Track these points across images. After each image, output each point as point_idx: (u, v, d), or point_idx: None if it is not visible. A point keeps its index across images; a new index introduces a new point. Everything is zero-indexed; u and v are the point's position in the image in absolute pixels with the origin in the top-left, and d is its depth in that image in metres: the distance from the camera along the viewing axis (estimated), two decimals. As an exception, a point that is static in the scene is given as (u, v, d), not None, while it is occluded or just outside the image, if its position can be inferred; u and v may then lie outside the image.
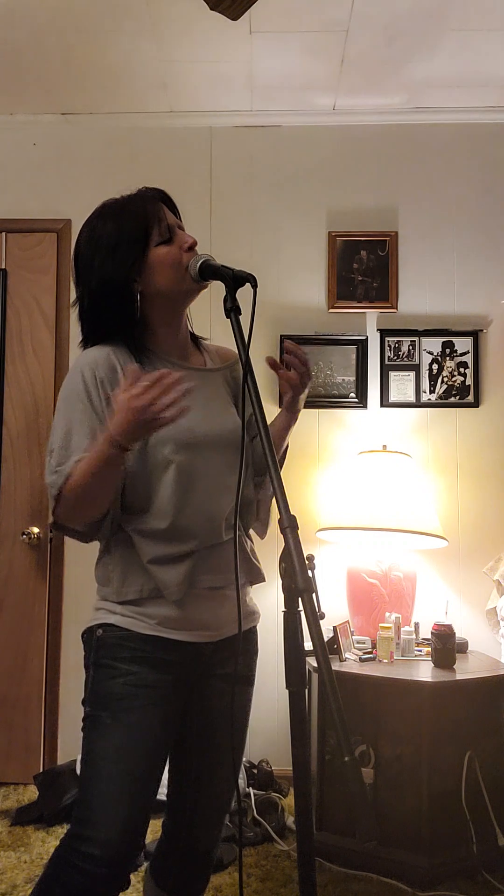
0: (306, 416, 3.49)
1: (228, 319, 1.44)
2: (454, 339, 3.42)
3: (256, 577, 1.67)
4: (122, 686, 1.49)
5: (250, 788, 2.95)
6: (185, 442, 1.53)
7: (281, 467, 1.67)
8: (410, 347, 3.43)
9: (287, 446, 1.77)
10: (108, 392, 1.51)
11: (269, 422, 1.46)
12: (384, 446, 3.22)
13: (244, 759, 3.09)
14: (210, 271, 1.53)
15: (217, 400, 1.64)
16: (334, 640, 2.81)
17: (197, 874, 1.69)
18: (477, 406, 3.41)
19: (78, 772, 1.58)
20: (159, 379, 1.33)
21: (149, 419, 1.34)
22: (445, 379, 3.41)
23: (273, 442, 1.47)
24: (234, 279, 1.46)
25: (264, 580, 1.66)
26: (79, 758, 1.58)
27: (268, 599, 3.35)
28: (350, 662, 2.77)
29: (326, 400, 3.42)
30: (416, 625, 3.01)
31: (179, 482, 1.52)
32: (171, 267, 1.56)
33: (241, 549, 1.61)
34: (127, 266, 1.54)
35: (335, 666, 2.69)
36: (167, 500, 1.53)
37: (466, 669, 2.74)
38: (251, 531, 1.72)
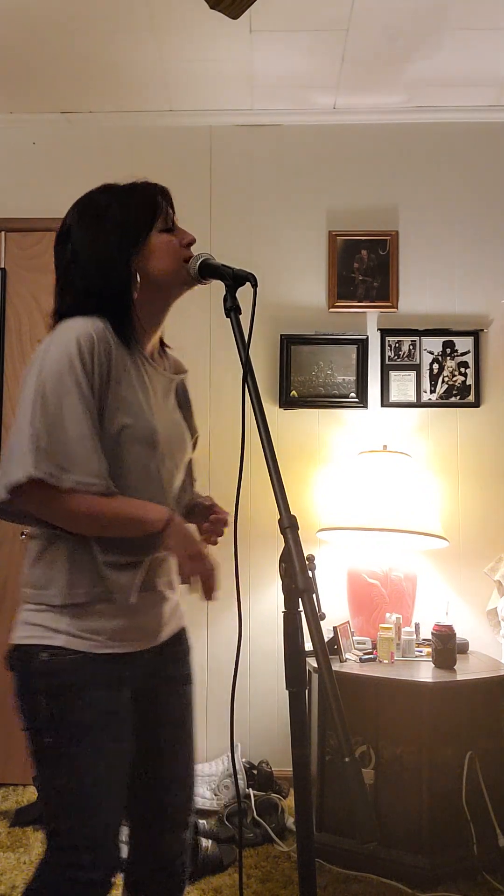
0: (307, 416, 3.50)
1: (228, 319, 1.44)
2: (455, 339, 3.42)
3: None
4: (93, 715, 1.44)
5: (250, 789, 2.94)
6: (151, 442, 1.51)
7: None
8: (411, 347, 3.43)
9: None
10: (103, 370, 1.44)
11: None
12: (384, 446, 3.22)
13: (244, 759, 3.09)
14: (210, 270, 1.52)
15: (172, 404, 1.66)
16: (334, 640, 2.81)
17: (170, 882, 1.67)
18: (478, 406, 3.40)
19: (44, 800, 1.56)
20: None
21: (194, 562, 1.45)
22: (446, 379, 3.41)
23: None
24: (234, 278, 1.45)
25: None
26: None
27: (268, 600, 3.36)
28: (350, 663, 2.76)
29: (326, 400, 3.41)
30: (417, 625, 3.00)
31: (145, 482, 1.52)
32: (169, 255, 1.55)
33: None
34: (130, 245, 1.52)
35: (335, 666, 2.68)
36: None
37: (467, 670, 2.74)
38: None
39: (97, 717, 1.45)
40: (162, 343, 1.70)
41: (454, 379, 3.41)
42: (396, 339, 3.44)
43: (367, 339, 3.44)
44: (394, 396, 3.42)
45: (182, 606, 1.68)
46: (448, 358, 3.41)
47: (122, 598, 1.46)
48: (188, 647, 1.69)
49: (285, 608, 1.17)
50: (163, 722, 1.61)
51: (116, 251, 1.52)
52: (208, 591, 1.46)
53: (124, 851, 1.62)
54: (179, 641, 1.66)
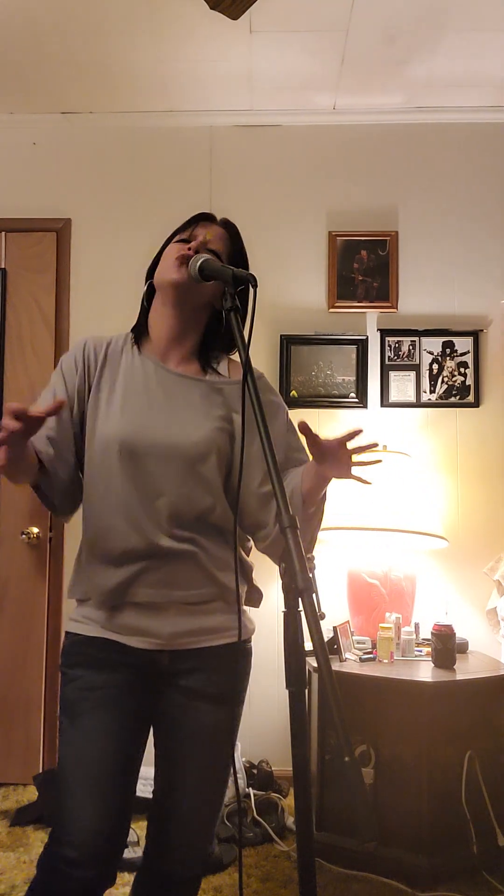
0: (307, 416, 3.47)
1: (228, 318, 1.44)
2: (454, 339, 3.42)
3: (230, 596, 1.57)
4: (73, 691, 1.52)
5: (250, 789, 2.95)
6: (125, 448, 1.52)
7: (319, 527, 1.60)
8: (411, 347, 3.43)
9: (325, 499, 1.58)
10: (77, 376, 1.62)
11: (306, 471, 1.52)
12: (384, 446, 3.22)
13: (244, 758, 3.09)
14: (210, 271, 1.53)
15: (190, 410, 1.58)
16: (334, 640, 2.81)
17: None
18: (477, 406, 3.40)
19: None
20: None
21: None
22: (446, 379, 3.41)
23: (304, 500, 1.51)
24: (234, 279, 1.46)
25: (256, 604, 1.66)
26: None
27: (268, 599, 3.35)
28: (350, 663, 2.76)
29: (326, 400, 3.42)
30: (417, 625, 3.00)
31: (109, 488, 1.53)
32: (167, 258, 1.63)
33: (202, 561, 1.55)
34: (153, 265, 1.69)
35: (335, 666, 2.68)
36: (98, 500, 1.56)
37: (467, 670, 2.74)
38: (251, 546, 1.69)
39: (79, 693, 1.51)
40: (212, 355, 1.68)
41: (454, 379, 3.41)
42: (396, 339, 3.44)
43: (367, 339, 3.44)
44: (393, 396, 3.42)
45: (231, 623, 1.57)
46: (448, 358, 3.41)
47: (94, 600, 1.55)
48: (234, 668, 1.57)
49: (285, 608, 1.16)
50: (173, 731, 1.57)
51: (150, 269, 1.71)
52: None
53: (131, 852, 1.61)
54: (217, 658, 1.56)
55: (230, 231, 1.70)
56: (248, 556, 1.69)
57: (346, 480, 1.48)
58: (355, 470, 1.46)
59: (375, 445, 1.48)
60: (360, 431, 1.45)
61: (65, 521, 1.70)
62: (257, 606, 1.69)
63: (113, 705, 1.50)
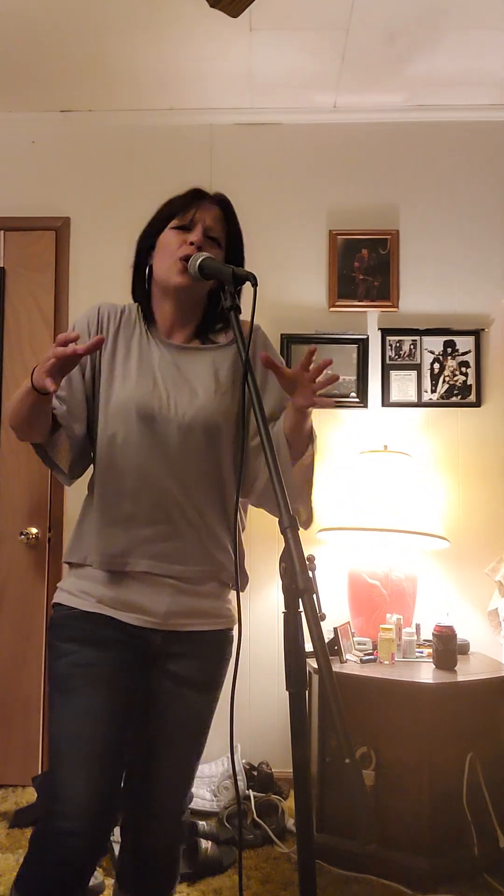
0: (307, 416, 3.48)
1: (229, 318, 1.44)
2: (456, 339, 3.41)
3: (224, 577, 1.63)
4: (65, 666, 1.52)
5: (250, 791, 2.93)
6: (143, 413, 1.56)
7: (313, 471, 1.63)
8: (412, 347, 3.42)
9: (313, 440, 1.62)
10: (97, 332, 1.64)
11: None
12: (385, 446, 3.21)
13: (244, 760, 3.08)
14: (210, 269, 1.54)
15: (196, 378, 1.63)
16: (335, 641, 2.80)
17: (152, 878, 1.67)
18: (479, 406, 3.39)
19: None
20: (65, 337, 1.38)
21: (45, 363, 1.39)
22: (447, 378, 3.40)
23: (289, 442, 1.55)
24: (234, 278, 1.46)
25: (242, 588, 1.63)
26: None
27: (268, 600, 3.35)
28: (351, 664, 2.75)
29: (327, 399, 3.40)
30: (418, 626, 2.99)
31: (123, 451, 1.57)
32: (166, 252, 1.64)
33: (203, 537, 1.59)
34: (145, 240, 1.69)
35: (336, 667, 2.67)
36: (111, 464, 1.57)
37: (468, 671, 2.73)
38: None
39: (71, 668, 1.51)
40: (212, 322, 1.73)
41: (455, 378, 3.40)
42: (397, 338, 3.43)
43: (368, 338, 3.43)
44: (394, 396, 3.41)
45: (227, 611, 1.64)
46: (449, 357, 3.40)
47: (93, 560, 1.56)
48: (219, 654, 1.63)
49: (285, 608, 1.16)
50: (158, 716, 1.60)
51: (139, 247, 1.71)
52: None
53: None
54: (203, 643, 1.61)
55: (226, 210, 1.71)
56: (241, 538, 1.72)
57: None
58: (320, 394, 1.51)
59: (329, 363, 1.49)
60: (315, 350, 1.51)
61: (67, 483, 1.68)
62: (243, 590, 1.70)
63: (107, 683, 1.51)
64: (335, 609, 3.03)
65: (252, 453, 1.62)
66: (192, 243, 1.60)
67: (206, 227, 1.64)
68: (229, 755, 2.99)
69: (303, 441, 1.59)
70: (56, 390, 1.40)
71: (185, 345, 1.67)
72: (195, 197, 1.68)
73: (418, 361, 3.41)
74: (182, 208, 1.66)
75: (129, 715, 1.56)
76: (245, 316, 1.47)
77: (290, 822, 2.82)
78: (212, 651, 1.63)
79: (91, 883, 1.88)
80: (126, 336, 1.66)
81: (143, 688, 1.58)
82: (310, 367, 1.47)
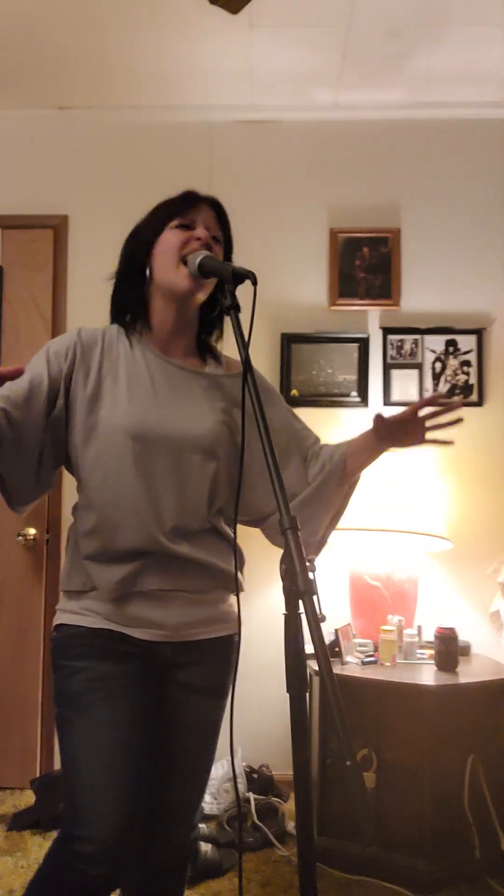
0: (308, 416, 3.41)
1: (228, 317, 1.43)
2: (457, 338, 3.39)
3: (227, 583, 1.60)
4: (79, 682, 1.48)
5: (250, 793, 2.92)
6: (136, 434, 1.50)
7: (346, 502, 1.69)
8: (413, 346, 3.40)
9: (357, 480, 1.71)
10: (66, 363, 1.58)
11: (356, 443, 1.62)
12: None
13: (244, 763, 3.07)
14: (209, 268, 1.52)
15: (193, 401, 1.58)
16: (336, 642, 2.78)
17: (161, 888, 1.65)
18: (481, 405, 3.37)
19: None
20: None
21: None
22: (449, 377, 3.38)
23: (347, 470, 1.60)
24: (234, 276, 1.44)
25: (241, 589, 1.60)
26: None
27: (269, 602, 3.33)
28: (352, 665, 2.74)
29: (327, 399, 3.39)
30: (419, 628, 2.98)
31: (118, 481, 1.50)
32: (167, 252, 1.59)
33: (204, 559, 1.55)
34: (141, 245, 1.62)
35: (336, 669, 2.66)
36: (102, 493, 1.52)
37: (469, 673, 2.72)
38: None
39: (86, 684, 1.47)
40: (207, 345, 1.70)
41: (457, 378, 3.38)
42: (398, 337, 3.41)
43: (369, 337, 3.42)
44: (396, 395, 3.39)
45: (231, 615, 1.61)
46: (451, 356, 3.38)
47: (101, 593, 1.51)
48: (227, 660, 1.60)
49: (286, 610, 1.15)
50: (167, 724, 1.57)
51: (132, 253, 1.65)
52: None
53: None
54: (212, 650, 1.58)
55: (220, 214, 1.68)
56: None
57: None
58: (432, 434, 1.57)
59: (451, 400, 1.51)
60: (439, 396, 1.53)
61: (17, 513, 1.65)
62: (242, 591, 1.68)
63: (123, 696, 1.48)
64: (336, 610, 3.02)
65: (261, 485, 1.59)
66: (198, 239, 1.57)
67: (207, 227, 1.62)
68: (229, 757, 2.97)
69: (356, 477, 1.69)
70: None
71: (182, 365, 1.61)
72: (194, 198, 1.66)
73: (420, 360, 3.39)
74: (182, 208, 1.63)
75: (146, 728, 1.52)
76: (245, 315, 1.45)
77: (291, 825, 2.81)
78: (220, 657, 1.60)
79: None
80: (110, 359, 1.59)
81: (154, 700, 1.55)
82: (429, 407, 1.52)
